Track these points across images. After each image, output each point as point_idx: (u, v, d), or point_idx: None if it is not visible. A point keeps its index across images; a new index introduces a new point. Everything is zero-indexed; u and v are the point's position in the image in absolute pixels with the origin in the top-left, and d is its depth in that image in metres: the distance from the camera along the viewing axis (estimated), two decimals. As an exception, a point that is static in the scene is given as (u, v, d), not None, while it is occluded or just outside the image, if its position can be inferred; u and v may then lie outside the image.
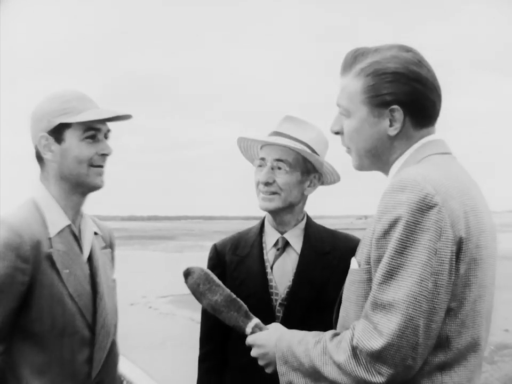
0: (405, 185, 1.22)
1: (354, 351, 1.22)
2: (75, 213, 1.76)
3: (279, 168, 1.94)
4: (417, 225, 1.19)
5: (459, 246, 1.21)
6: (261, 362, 1.48)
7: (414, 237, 1.19)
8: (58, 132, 1.69)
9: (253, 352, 1.50)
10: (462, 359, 1.25)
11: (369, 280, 1.29)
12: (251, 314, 1.59)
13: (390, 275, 1.20)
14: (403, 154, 1.38)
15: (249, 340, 1.53)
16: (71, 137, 1.69)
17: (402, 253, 1.19)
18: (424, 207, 1.19)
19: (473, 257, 1.23)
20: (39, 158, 1.75)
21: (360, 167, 1.46)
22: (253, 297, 1.91)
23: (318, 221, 2.16)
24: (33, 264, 1.58)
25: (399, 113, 1.35)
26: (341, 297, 1.42)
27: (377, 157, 1.41)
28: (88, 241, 1.78)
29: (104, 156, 1.74)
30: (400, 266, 1.19)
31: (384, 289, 1.20)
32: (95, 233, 1.85)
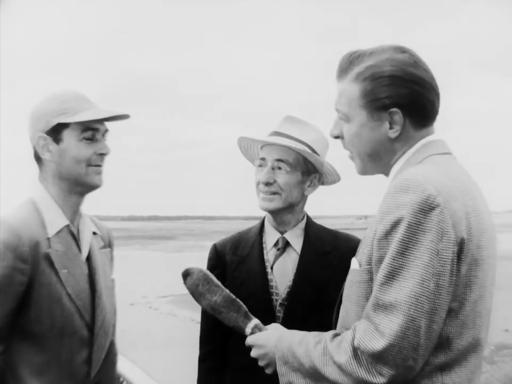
0: (407, 186, 1.22)
1: (356, 351, 1.22)
2: (74, 213, 1.76)
3: (280, 168, 1.94)
4: (419, 226, 1.19)
5: (460, 246, 1.21)
6: (261, 363, 1.48)
7: (416, 238, 1.19)
8: (56, 132, 1.69)
9: (253, 353, 1.50)
10: (463, 360, 1.25)
11: (370, 280, 1.29)
12: (251, 315, 1.59)
13: (392, 276, 1.20)
14: (404, 155, 1.38)
15: (249, 340, 1.53)
16: (69, 137, 1.69)
17: (404, 254, 1.19)
18: (426, 208, 1.19)
19: (474, 258, 1.24)
20: (38, 158, 1.75)
21: (364, 172, 1.47)
22: (253, 297, 1.91)
23: (318, 221, 2.16)
24: (32, 264, 1.58)
25: (398, 116, 1.34)
26: (341, 297, 1.41)
27: (379, 159, 1.41)
28: (86, 241, 1.78)
29: (102, 155, 1.74)
30: (402, 267, 1.19)
31: (385, 290, 1.20)
32: (94, 233, 1.85)
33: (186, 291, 1.64)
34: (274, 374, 1.41)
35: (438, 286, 1.18)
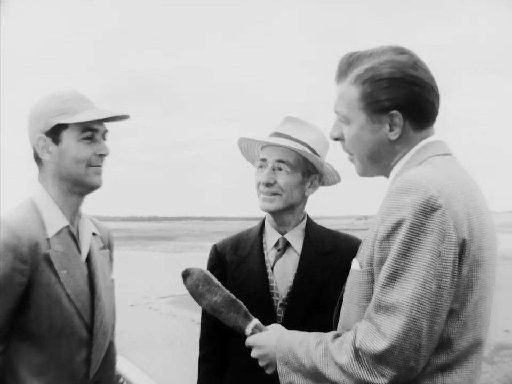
0: (409, 187, 1.22)
1: (357, 352, 1.22)
2: (73, 214, 1.76)
3: (280, 169, 1.94)
4: (421, 228, 1.19)
5: (462, 248, 1.21)
6: (261, 363, 1.48)
7: (418, 239, 1.19)
8: (55, 133, 1.69)
9: (253, 353, 1.50)
10: (464, 360, 1.25)
11: (371, 281, 1.29)
12: (251, 315, 1.59)
13: (394, 277, 1.20)
14: (404, 157, 1.38)
15: (249, 340, 1.52)
16: (68, 137, 1.69)
17: (406, 255, 1.19)
18: (428, 209, 1.19)
19: (475, 259, 1.24)
20: (37, 159, 1.75)
21: (364, 174, 1.46)
22: (254, 298, 1.91)
23: (318, 222, 2.16)
24: (31, 265, 1.58)
25: (398, 118, 1.34)
26: (342, 298, 1.41)
27: (379, 161, 1.41)
28: (86, 241, 1.78)
29: (101, 156, 1.74)
30: (404, 268, 1.19)
31: (387, 291, 1.20)
32: (94, 234, 1.85)
33: (186, 292, 1.64)
34: (275, 375, 1.41)
35: (439, 287, 1.18)
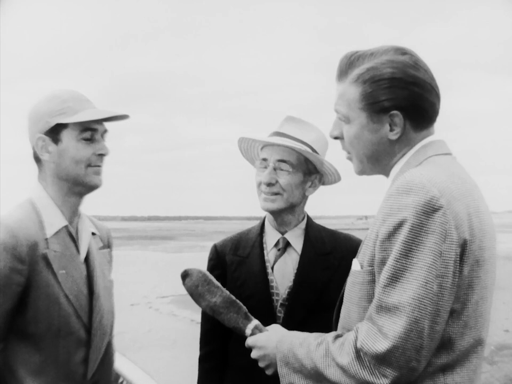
0: (410, 188, 1.22)
1: (358, 353, 1.22)
2: (72, 214, 1.76)
3: (281, 169, 1.94)
4: (423, 228, 1.19)
5: (463, 248, 1.21)
6: (261, 364, 1.48)
7: (419, 240, 1.19)
8: (55, 133, 1.69)
9: (253, 354, 1.50)
10: (465, 360, 1.25)
11: (372, 281, 1.28)
12: (251, 316, 1.58)
13: (395, 277, 1.20)
14: (404, 157, 1.38)
15: (249, 341, 1.52)
16: (68, 137, 1.69)
17: (408, 256, 1.19)
18: (429, 210, 1.19)
19: (476, 259, 1.24)
20: (37, 159, 1.74)
21: (362, 172, 1.46)
22: (254, 298, 1.91)
23: (318, 221, 2.16)
24: (30, 265, 1.58)
25: (398, 118, 1.34)
26: (342, 298, 1.41)
27: (378, 161, 1.41)
28: (85, 241, 1.78)
29: (101, 156, 1.73)
30: (405, 269, 1.19)
31: (389, 291, 1.20)
32: (93, 234, 1.85)
33: (186, 291, 1.64)
34: (275, 375, 1.41)
35: (441, 288, 1.18)
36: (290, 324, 1.83)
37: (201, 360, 2.07)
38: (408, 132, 1.36)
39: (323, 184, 2.07)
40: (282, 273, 1.98)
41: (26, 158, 1.79)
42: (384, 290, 1.21)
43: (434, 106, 1.37)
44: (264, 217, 2.09)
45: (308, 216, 2.09)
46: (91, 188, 1.75)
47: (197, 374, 2.08)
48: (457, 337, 1.23)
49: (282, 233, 2.02)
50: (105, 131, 1.76)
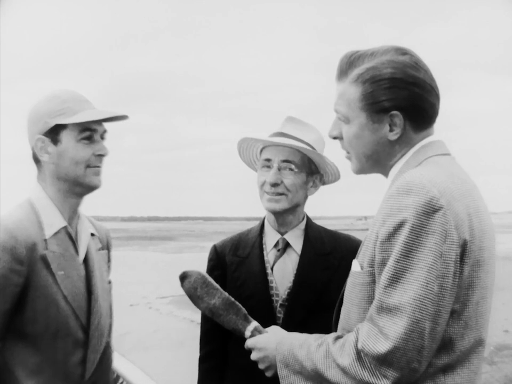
0: (410, 188, 1.22)
1: (359, 354, 1.22)
2: (72, 214, 1.76)
3: (286, 169, 1.94)
4: (423, 228, 1.19)
5: (463, 248, 1.21)
6: (261, 366, 1.47)
7: (420, 240, 1.18)
8: (54, 133, 1.69)
9: (253, 356, 1.49)
10: (465, 361, 1.25)
11: (372, 282, 1.28)
12: (250, 317, 1.58)
13: (396, 278, 1.20)
14: (403, 157, 1.38)
15: (249, 343, 1.52)
16: (67, 138, 1.69)
17: (408, 256, 1.19)
18: (430, 210, 1.19)
19: (476, 259, 1.24)
20: (36, 160, 1.74)
21: (360, 171, 1.46)
22: (254, 298, 1.91)
23: (318, 222, 2.16)
24: (28, 265, 1.58)
25: (398, 119, 1.34)
26: (341, 299, 1.41)
27: (378, 161, 1.40)
28: (84, 242, 1.77)
29: (100, 156, 1.73)
30: (406, 269, 1.19)
31: (389, 292, 1.20)
32: (92, 234, 1.85)
33: (186, 292, 1.64)
34: (275, 377, 1.41)
35: (441, 288, 1.18)
36: (290, 324, 1.83)
37: (201, 360, 2.06)
38: (408, 132, 1.36)
39: (323, 184, 2.08)
40: (282, 274, 1.98)
41: (26, 158, 1.78)
42: (385, 291, 1.21)
43: (434, 107, 1.37)
44: (264, 218, 2.09)
45: (307, 216, 2.09)
46: (90, 188, 1.75)
47: (197, 374, 2.08)
48: (458, 337, 1.23)
49: (282, 234, 2.02)
50: (105, 131, 1.76)
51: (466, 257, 1.21)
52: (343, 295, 1.40)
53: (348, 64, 1.38)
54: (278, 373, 1.38)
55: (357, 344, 1.23)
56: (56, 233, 1.68)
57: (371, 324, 1.23)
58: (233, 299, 1.60)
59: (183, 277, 1.63)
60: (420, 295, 1.17)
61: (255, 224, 2.15)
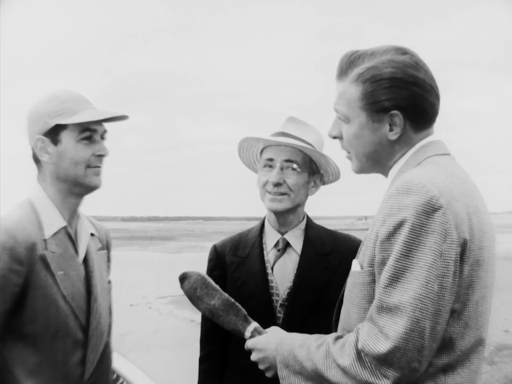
0: (410, 188, 1.22)
1: (359, 354, 1.22)
2: (72, 214, 1.76)
3: (289, 169, 1.94)
4: (423, 228, 1.19)
5: (463, 247, 1.21)
6: (261, 367, 1.47)
7: (420, 240, 1.19)
8: (54, 133, 1.69)
9: (253, 356, 1.49)
10: (465, 360, 1.25)
11: (372, 282, 1.28)
12: (250, 318, 1.58)
13: (396, 278, 1.20)
14: (403, 156, 1.38)
15: (249, 344, 1.52)
16: (67, 138, 1.69)
17: (408, 256, 1.19)
18: (430, 210, 1.19)
19: (476, 259, 1.24)
20: (36, 160, 1.74)
21: (360, 171, 1.46)
22: (254, 298, 1.91)
23: (318, 222, 2.16)
24: (28, 266, 1.58)
25: (398, 118, 1.34)
26: (341, 299, 1.41)
27: (378, 160, 1.41)
28: (84, 242, 1.77)
29: (100, 156, 1.73)
30: (406, 269, 1.19)
31: (389, 292, 1.20)
32: (92, 234, 1.85)
33: (186, 292, 1.63)
34: (275, 377, 1.41)
35: (441, 288, 1.18)
36: (290, 324, 1.83)
37: (201, 360, 2.06)
38: (408, 132, 1.36)
39: (323, 184, 2.08)
40: (282, 274, 1.98)
41: (26, 158, 1.78)
42: (385, 291, 1.21)
43: (434, 107, 1.37)
44: (264, 218, 2.09)
45: (307, 216, 2.09)
46: (90, 188, 1.75)
47: (197, 374, 2.08)
48: (458, 337, 1.23)
49: (282, 234, 2.02)
50: (105, 131, 1.76)
51: (466, 257, 1.22)
52: (343, 295, 1.40)
53: (348, 63, 1.38)
54: (278, 373, 1.38)
55: (357, 344, 1.23)
56: (55, 233, 1.68)
57: (371, 324, 1.23)
58: (233, 300, 1.60)
59: (183, 278, 1.63)
60: (420, 295, 1.17)
61: (255, 224, 2.15)
